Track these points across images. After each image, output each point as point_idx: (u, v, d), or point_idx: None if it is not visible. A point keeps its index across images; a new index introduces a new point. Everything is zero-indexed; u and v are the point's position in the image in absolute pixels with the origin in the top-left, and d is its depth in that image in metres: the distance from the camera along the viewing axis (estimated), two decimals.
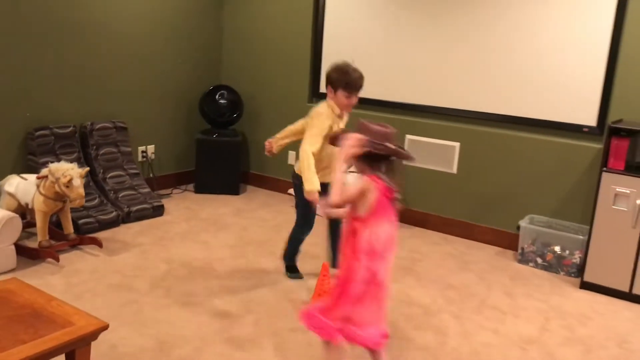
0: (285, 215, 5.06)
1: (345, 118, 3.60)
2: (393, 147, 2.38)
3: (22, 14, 4.22)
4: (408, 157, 2.49)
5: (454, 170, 4.79)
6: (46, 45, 4.41)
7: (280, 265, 3.95)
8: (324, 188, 3.31)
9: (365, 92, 5.22)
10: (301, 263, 4.01)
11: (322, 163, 3.45)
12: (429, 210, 4.96)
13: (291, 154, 5.64)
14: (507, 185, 4.57)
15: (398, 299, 3.62)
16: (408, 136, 4.93)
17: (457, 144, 4.74)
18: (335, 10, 5.21)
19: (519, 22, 4.35)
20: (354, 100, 3.44)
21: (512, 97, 4.47)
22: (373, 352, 2.46)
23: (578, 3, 4.12)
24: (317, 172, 3.34)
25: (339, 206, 2.42)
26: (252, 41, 5.73)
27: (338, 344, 2.36)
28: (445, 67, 4.73)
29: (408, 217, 5.02)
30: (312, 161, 3.32)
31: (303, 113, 5.57)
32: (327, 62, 5.33)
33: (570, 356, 3.09)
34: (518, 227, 4.40)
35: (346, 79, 3.36)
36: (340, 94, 3.40)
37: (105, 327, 2.12)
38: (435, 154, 4.83)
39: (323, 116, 3.43)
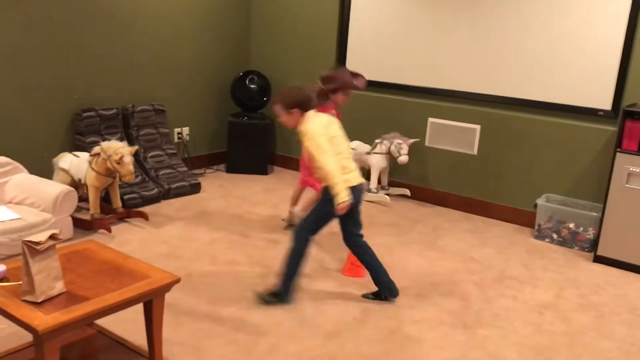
0: (311, 194, 5.35)
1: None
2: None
3: (70, 8, 4.51)
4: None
5: (475, 151, 5.05)
6: (92, 35, 4.71)
7: (316, 237, 4.27)
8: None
9: (390, 77, 5.51)
10: (333, 236, 4.33)
11: None
12: (450, 189, 5.23)
13: None
14: (524, 166, 4.83)
15: (424, 270, 3.91)
16: (430, 119, 5.19)
17: (477, 127, 4.99)
18: None
19: (537, 9, 4.58)
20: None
21: (530, 81, 4.72)
22: None
23: None
24: None
25: None
26: (280, 28, 6.00)
27: None
28: (467, 52, 4.97)
29: (430, 196, 5.30)
30: None
31: None
32: (352, 48, 5.62)
33: (584, 320, 3.37)
34: (535, 205, 4.66)
35: None
36: None
37: (177, 281, 2.43)
38: (457, 136, 5.09)
39: None
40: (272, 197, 5.21)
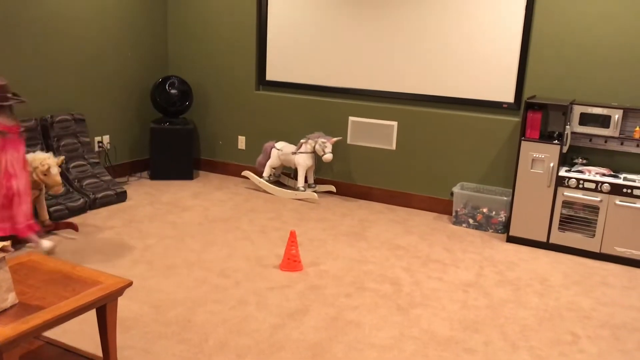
0: (241, 195, 5.47)
1: None
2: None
3: None
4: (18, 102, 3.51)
5: (393, 147, 5.35)
6: (4, 44, 4.57)
7: (251, 237, 4.38)
8: None
9: (311, 79, 5.70)
10: (267, 234, 4.46)
11: None
12: (372, 184, 5.50)
13: (241, 139, 6.03)
14: (439, 158, 5.18)
15: (355, 259, 4.13)
16: (351, 118, 5.43)
17: (394, 123, 5.29)
18: (278, 2, 5.62)
19: (446, 13, 4.94)
20: None
21: (441, 79, 5.07)
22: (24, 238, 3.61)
23: None
24: None
25: None
26: (198, 32, 6.04)
27: None
28: (382, 54, 5.26)
29: (354, 191, 5.55)
30: None
31: (251, 100, 6.01)
32: (272, 51, 5.77)
33: (503, 294, 3.71)
34: (451, 194, 5.02)
35: None
36: None
37: (129, 284, 2.48)
38: (376, 132, 5.37)
39: None
40: (201, 201, 5.26)
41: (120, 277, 2.52)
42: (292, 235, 3.89)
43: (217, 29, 5.94)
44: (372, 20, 5.23)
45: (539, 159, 4.39)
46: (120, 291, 2.46)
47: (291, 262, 3.88)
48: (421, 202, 5.32)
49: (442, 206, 5.22)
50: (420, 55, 5.11)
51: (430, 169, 5.23)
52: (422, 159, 5.25)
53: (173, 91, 5.84)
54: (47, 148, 4.85)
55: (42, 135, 4.84)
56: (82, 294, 2.33)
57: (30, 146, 4.68)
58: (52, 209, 4.49)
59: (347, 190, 5.59)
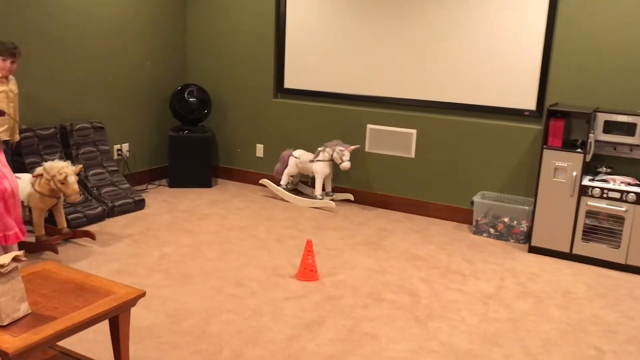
0: (258, 203, 5.44)
1: (12, 82, 3.91)
2: None
3: (0, 27, 4.41)
4: None
5: (412, 154, 5.28)
6: (26, 53, 4.61)
7: (267, 246, 4.35)
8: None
9: (330, 87, 5.67)
10: (283, 243, 4.42)
11: None
12: (390, 192, 5.44)
13: (259, 147, 6.01)
14: (459, 166, 5.09)
15: (373, 269, 4.07)
16: (369, 126, 5.38)
17: (414, 131, 5.22)
18: (296, 10, 5.60)
19: (467, 21, 4.88)
20: (8, 64, 3.80)
21: (462, 86, 5.00)
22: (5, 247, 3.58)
23: (514, 3, 4.68)
24: None
25: None
26: (216, 41, 6.05)
27: None
28: (401, 61, 5.20)
29: (372, 199, 5.49)
30: None
31: (269, 108, 6.00)
32: (290, 60, 5.75)
33: (524, 306, 3.61)
34: (472, 203, 4.93)
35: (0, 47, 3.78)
36: None
37: (142, 295, 2.46)
38: (395, 140, 5.31)
39: None
40: (219, 209, 5.24)
41: (133, 287, 2.50)
42: (309, 244, 3.84)
43: (235, 37, 5.94)
44: (391, 27, 5.19)
45: (561, 167, 4.30)
46: (133, 302, 2.43)
47: (307, 271, 3.83)
48: (440, 211, 5.23)
49: (462, 215, 5.13)
50: (440, 62, 5.05)
51: (450, 178, 5.15)
52: (441, 167, 5.17)
53: (192, 99, 5.85)
54: (66, 156, 4.88)
55: (61, 143, 4.87)
56: (95, 304, 2.31)
57: (50, 154, 4.72)
58: (70, 217, 4.51)
59: (365, 198, 5.53)
